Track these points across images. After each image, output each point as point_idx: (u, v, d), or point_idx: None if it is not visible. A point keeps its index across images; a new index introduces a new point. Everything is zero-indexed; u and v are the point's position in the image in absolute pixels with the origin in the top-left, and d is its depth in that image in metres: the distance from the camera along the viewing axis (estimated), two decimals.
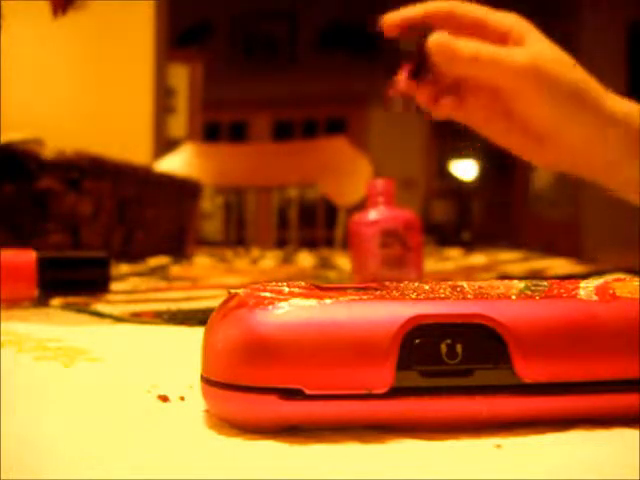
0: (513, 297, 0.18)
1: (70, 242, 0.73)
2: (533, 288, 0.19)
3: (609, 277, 0.20)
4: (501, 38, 0.51)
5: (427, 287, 0.19)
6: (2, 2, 0.55)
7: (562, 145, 0.52)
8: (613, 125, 0.51)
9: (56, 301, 0.43)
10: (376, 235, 0.49)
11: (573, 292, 0.18)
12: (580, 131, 0.51)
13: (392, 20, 0.53)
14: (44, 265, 0.42)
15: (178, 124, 3.52)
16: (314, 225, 3.10)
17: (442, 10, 0.53)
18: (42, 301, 0.42)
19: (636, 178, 0.52)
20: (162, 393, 0.20)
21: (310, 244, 2.10)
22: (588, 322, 0.17)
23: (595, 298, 0.18)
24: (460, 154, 4.76)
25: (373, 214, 0.50)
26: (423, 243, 0.51)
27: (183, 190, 1.07)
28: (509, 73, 0.50)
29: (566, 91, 0.50)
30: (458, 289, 0.19)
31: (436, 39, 0.50)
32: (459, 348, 0.16)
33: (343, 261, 0.90)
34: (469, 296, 0.18)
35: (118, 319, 0.37)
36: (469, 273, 0.71)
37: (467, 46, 0.50)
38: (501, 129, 0.56)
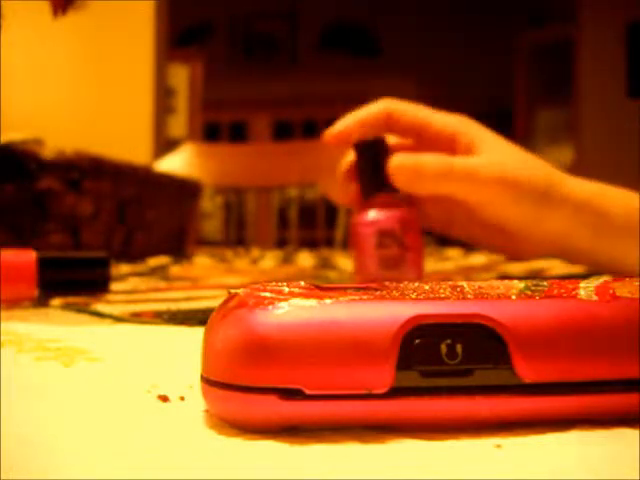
0: (513, 297, 0.18)
1: (70, 242, 0.73)
2: (533, 288, 0.19)
3: (609, 277, 0.20)
4: (446, 142, 0.49)
5: (427, 287, 0.19)
6: (2, 2, 0.55)
7: (534, 240, 0.52)
8: (580, 212, 0.50)
9: (56, 301, 0.43)
10: (373, 235, 0.49)
11: (573, 292, 0.18)
12: (550, 225, 0.50)
13: (331, 134, 0.51)
14: (44, 265, 0.42)
15: (178, 124, 3.52)
16: (314, 225, 3.10)
17: (380, 114, 0.50)
18: (42, 301, 0.42)
19: (605, 256, 0.51)
20: (162, 393, 0.20)
21: (310, 244, 2.10)
22: (588, 322, 0.17)
23: (595, 298, 0.18)
24: None
25: (371, 214, 0.49)
26: (423, 243, 0.50)
27: (183, 190, 1.07)
28: (480, 187, 0.48)
29: (534, 192, 0.49)
30: (458, 289, 0.19)
31: (397, 163, 0.47)
32: (459, 348, 0.16)
33: (343, 261, 0.90)
34: (469, 296, 0.18)
35: (118, 319, 0.37)
36: (469, 273, 0.71)
37: (434, 163, 0.47)
38: (467, 232, 0.55)
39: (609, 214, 0.50)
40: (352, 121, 0.51)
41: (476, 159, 0.48)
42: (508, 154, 0.50)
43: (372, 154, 0.49)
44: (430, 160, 0.48)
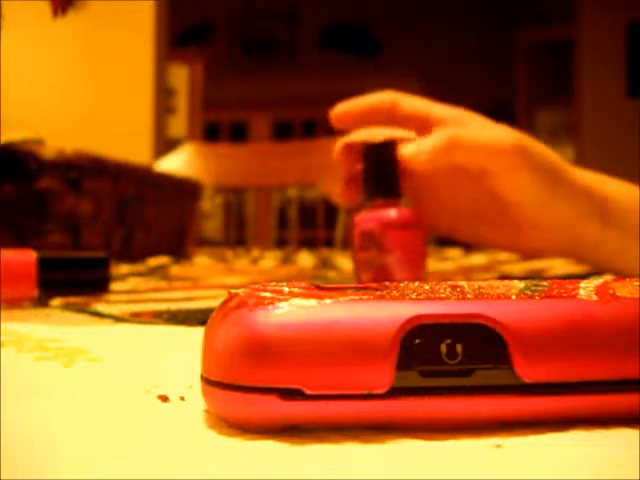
0: (513, 297, 0.18)
1: (70, 242, 0.73)
2: (533, 288, 0.19)
3: (609, 277, 0.20)
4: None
5: (427, 287, 0.19)
6: (2, 2, 0.55)
7: (543, 228, 0.51)
8: (587, 198, 0.50)
9: (56, 301, 0.43)
10: (357, 237, 0.48)
11: (573, 292, 0.18)
12: (559, 209, 0.50)
13: (339, 113, 0.52)
14: (44, 265, 0.42)
15: (178, 124, 3.52)
16: (314, 225, 3.10)
17: (385, 103, 0.51)
18: (42, 301, 0.42)
19: (611, 249, 0.51)
20: (162, 393, 0.20)
21: (310, 244, 2.10)
22: (588, 322, 0.17)
23: (595, 298, 0.18)
24: None
25: (359, 215, 0.49)
26: (423, 247, 0.49)
27: (183, 190, 1.07)
28: (491, 153, 0.48)
29: (547, 169, 0.49)
30: (458, 289, 0.19)
31: (409, 153, 0.48)
32: (459, 348, 0.16)
33: (343, 261, 0.90)
34: (469, 296, 0.18)
35: (118, 319, 0.37)
36: (469, 273, 0.71)
37: (442, 134, 0.48)
38: (473, 232, 0.55)
39: (615, 200, 0.51)
40: (358, 105, 0.52)
41: (485, 129, 0.49)
42: (516, 132, 0.50)
43: (380, 157, 0.49)
44: (433, 137, 0.48)
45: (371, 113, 0.51)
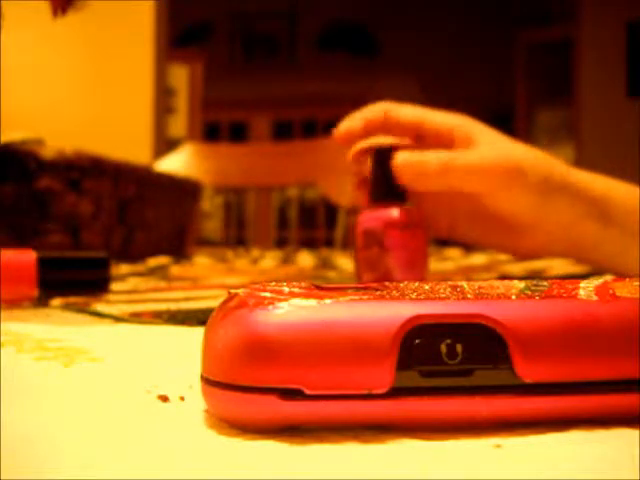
0: (513, 297, 0.18)
1: (70, 242, 0.73)
2: (533, 288, 0.19)
3: (609, 277, 0.20)
4: (444, 138, 0.50)
5: (427, 287, 0.19)
6: (2, 2, 0.55)
7: (542, 232, 0.51)
8: (587, 199, 0.50)
9: (56, 301, 0.43)
10: (360, 236, 0.48)
11: (573, 292, 0.18)
12: (557, 214, 0.50)
13: (341, 133, 0.52)
14: (44, 265, 0.42)
15: (178, 124, 3.52)
16: (314, 225, 3.11)
17: (378, 114, 0.51)
18: (42, 301, 0.42)
19: (611, 249, 0.51)
20: (162, 393, 0.20)
21: (310, 244, 2.10)
22: (588, 322, 0.17)
23: (595, 298, 0.18)
24: None
25: (362, 215, 0.49)
26: (424, 247, 0.49)
27: (183, 190, 1.07)
28: (484, 177, 0.48)
29: (544, 181, 0.49)
30: (458, 289, 0.19)
31: (401, 160, 0.48)
32: (459, 348, 0.16)
33: (343, 261, 0.90)
34: (469, 296, 0.18)
35: (118, 319, 0.37)
36: (469, 273, 0.71)
37: (436, 159, 0.48)
38: (472, 233, 0.55)
39: (615, 201, 0.50)
40: (356, 121, 0.52)
41: (477, 151, 0.49)
42: (507, 144, 0.50)
43: (387, 161, 0.49)
44: (433, 156, 0.48)
45: (369, 126, 0.51)
